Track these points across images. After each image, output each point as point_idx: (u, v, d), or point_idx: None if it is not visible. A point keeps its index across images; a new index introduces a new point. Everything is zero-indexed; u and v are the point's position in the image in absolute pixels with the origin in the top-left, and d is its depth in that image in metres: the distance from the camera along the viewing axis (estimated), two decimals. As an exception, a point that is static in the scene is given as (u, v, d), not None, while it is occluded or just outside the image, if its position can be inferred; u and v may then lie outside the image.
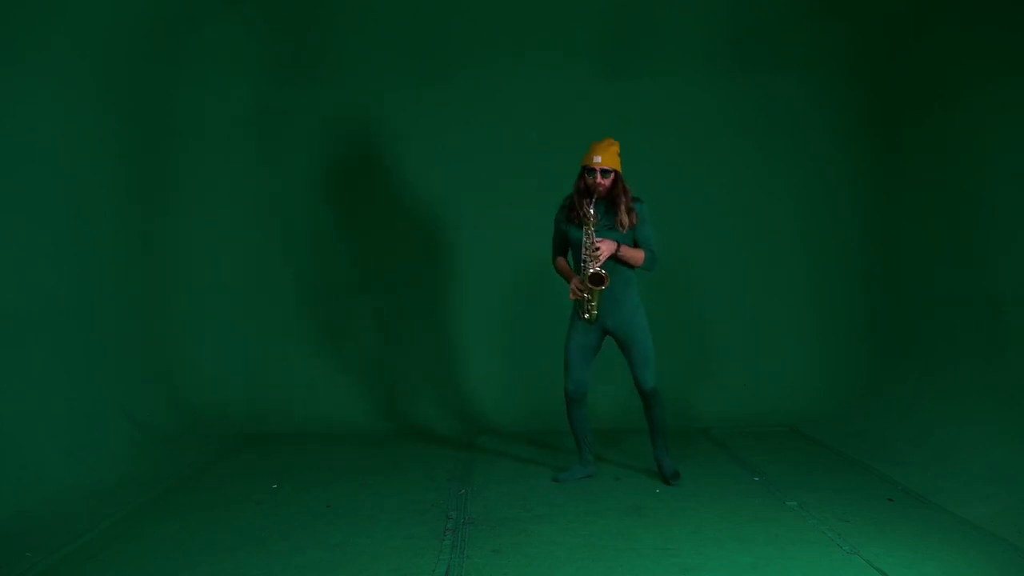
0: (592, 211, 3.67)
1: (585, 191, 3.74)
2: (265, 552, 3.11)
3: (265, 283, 5.54)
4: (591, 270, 3.67)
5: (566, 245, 3.93)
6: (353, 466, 4.37)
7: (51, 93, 4.07)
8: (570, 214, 3.83)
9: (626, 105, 5.49)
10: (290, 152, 5.52)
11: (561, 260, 3.99)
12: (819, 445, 4.69)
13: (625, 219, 3.75)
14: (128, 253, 4.87)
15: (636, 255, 3.78)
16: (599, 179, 3.69)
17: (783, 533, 3.24)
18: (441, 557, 3.03)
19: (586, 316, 3.78)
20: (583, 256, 3.71)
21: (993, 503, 3.44)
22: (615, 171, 3.73)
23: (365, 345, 5.56)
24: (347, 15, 5.38)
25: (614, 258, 3.75)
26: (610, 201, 3.78)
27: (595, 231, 3.70)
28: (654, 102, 5.50)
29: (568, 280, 3.88)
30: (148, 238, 5.12)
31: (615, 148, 3.75)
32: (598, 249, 3.66)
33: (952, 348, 4.57)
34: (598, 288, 3.69)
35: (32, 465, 3.70)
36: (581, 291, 3.74)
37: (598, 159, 3.68)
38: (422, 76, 5.47)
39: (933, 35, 4.78)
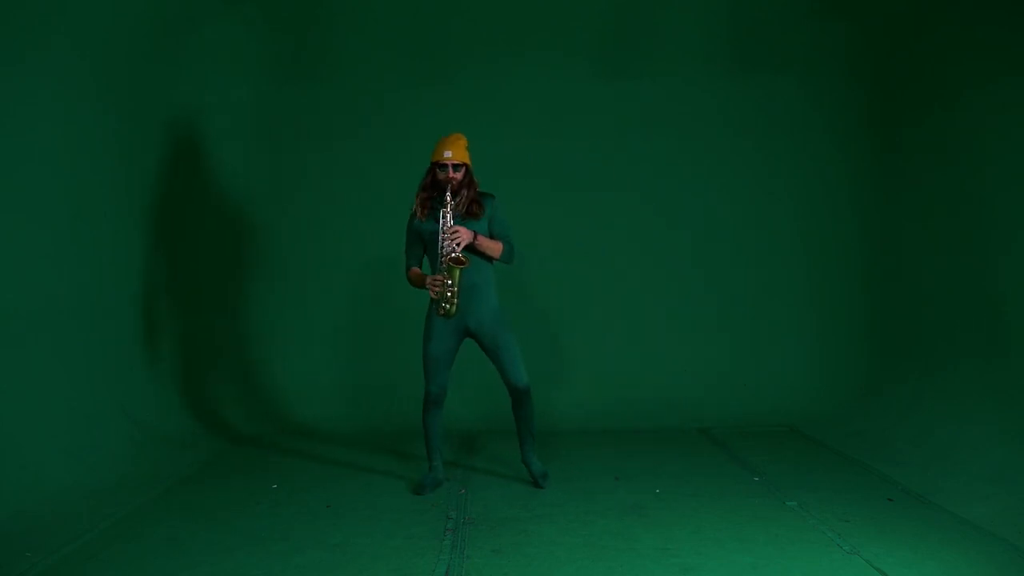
0: (449, 197, 3.64)
1: (435, 187, 3.73)
2: (265, 552, 3.11)
3: (264, 282, 5.55)
4: (452, 253, 3.59)
5: (422, 249, 3.84)
6: (353, 466, 4.37)
7: (51, 93, 4.07)
8: (423, 211, 3.76)
9: (626, 105, 5.49)
10: (290, 152, 5.52)
11: (416, 269, 3.85)
12: (819, 445, 4.69)
13: (474, 209, 3.73)
14: (128, 253, 4.87)
15: (494, 246, 3.75)
16: (451, 173, 3.68)
17: (783, 533, 3.24)
18: (441, 557, 3.03)
19: (445, 307, 3.67)
20: (441, 240, 3.64)
21: (993, 503, 3.44)
22: (466, 164, 3.73)
23: (365, 346, 5.56)
24: (347, 15, 5.38)
25: (472, 249, 3.70)
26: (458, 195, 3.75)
27: (452, 219, 3.67)
28: (654, 102, 5.50)
29: (423, 286, 3.76)
30: (148, 238, 5.11)
31: (463, 142, 3.75)
32: (457, 231, 3.61)
33: (952, 348, 4.57)
34: (459, 267, 3.60)
35: (32, 465, 3.69)
36: (441, 280, 3.63)
37: (448, 154, 3.67)
38: (422, 76, 5.47)
39: (933, 35, 4.78)
